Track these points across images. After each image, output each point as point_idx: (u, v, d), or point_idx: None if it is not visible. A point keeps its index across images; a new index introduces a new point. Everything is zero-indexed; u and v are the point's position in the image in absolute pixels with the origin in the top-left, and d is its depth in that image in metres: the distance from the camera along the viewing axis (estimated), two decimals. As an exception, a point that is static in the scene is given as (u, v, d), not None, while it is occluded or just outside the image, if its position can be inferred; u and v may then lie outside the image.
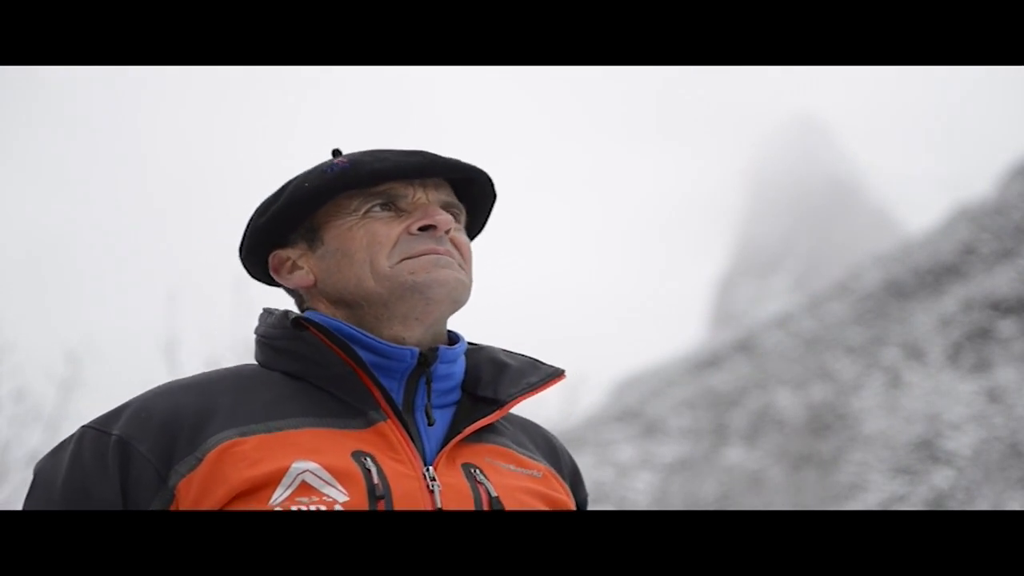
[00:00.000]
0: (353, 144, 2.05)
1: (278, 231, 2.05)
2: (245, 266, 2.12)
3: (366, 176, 1.99)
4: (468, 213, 2.11)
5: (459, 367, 2.02)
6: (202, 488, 1.85)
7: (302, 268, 2.04)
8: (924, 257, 30.24)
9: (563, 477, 2.09)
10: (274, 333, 2.01)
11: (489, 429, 2.01)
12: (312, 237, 2.03)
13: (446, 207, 2.04)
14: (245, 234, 2.08)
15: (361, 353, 1.94)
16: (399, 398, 1.96)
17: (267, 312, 2.05)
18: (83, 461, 1.89)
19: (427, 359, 1.97)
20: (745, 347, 32.77)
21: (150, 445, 1.87)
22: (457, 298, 1.99)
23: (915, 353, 26.68)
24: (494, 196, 2.11)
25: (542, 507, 1.97)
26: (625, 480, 26.99)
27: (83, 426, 1.94)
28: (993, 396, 23.63)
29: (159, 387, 1.97)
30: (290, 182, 2.05)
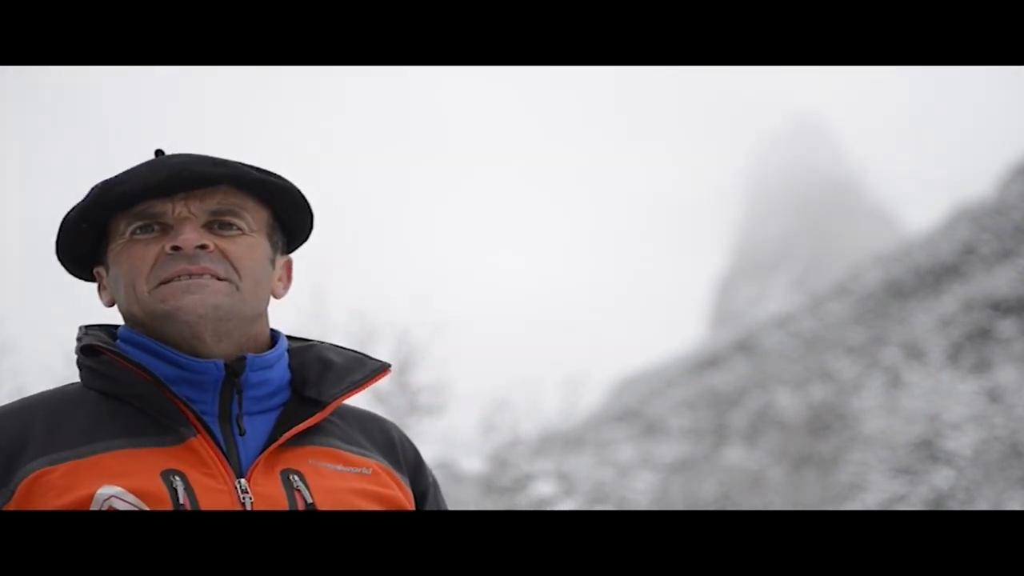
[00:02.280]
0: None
1: (79, 254, 2.04)
2: (83, 278, 2.10)
3: (116, 199, 1.96)
4: (282, 210, 2.05)
5: (277, 371, 2.00)
6: None
7: (106, 288, 2.04)
8: (924, 257, 30.27)
9: (401, 470, 2.05)
10: (82, 354, 2.01)
11: (316, 430, 1.98)
12: (106, 258, 2.02)
13: (217, 215, 1.97)
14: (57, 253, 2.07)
15: (168, 369, 1.93)
16: (214, 410, 1.94)
17: (82, 330, 2.03)
18: None
19: (235, 369, 1.95)
20: (745, 347, 32.81)
21: None
22: (219, 317, 1.93)
23: (915, 353, 26.70)
24: (290, 189, 2.04)
25: (368, 506, 1.94)
26: (625, 480, 27.00)
27: None
28: (993, 396, 23.64)
29: None
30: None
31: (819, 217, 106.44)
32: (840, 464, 23.77)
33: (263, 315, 2.02)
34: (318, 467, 1.95)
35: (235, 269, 1.96)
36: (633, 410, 31.25)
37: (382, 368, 2.07)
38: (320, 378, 2.02)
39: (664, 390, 32.34)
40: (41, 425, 1.91)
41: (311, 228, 2.11)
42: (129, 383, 1.93)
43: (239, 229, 1.99)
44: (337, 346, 2.10)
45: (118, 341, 1.99)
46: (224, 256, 1.96)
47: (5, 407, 1.98)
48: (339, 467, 1.97)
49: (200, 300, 1.92)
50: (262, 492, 1.89)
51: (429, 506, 2.08)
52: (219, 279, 1.94)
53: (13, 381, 11.39)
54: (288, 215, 2.06)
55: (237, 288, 1.95)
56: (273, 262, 2.04)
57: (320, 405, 1.99)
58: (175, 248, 1.93)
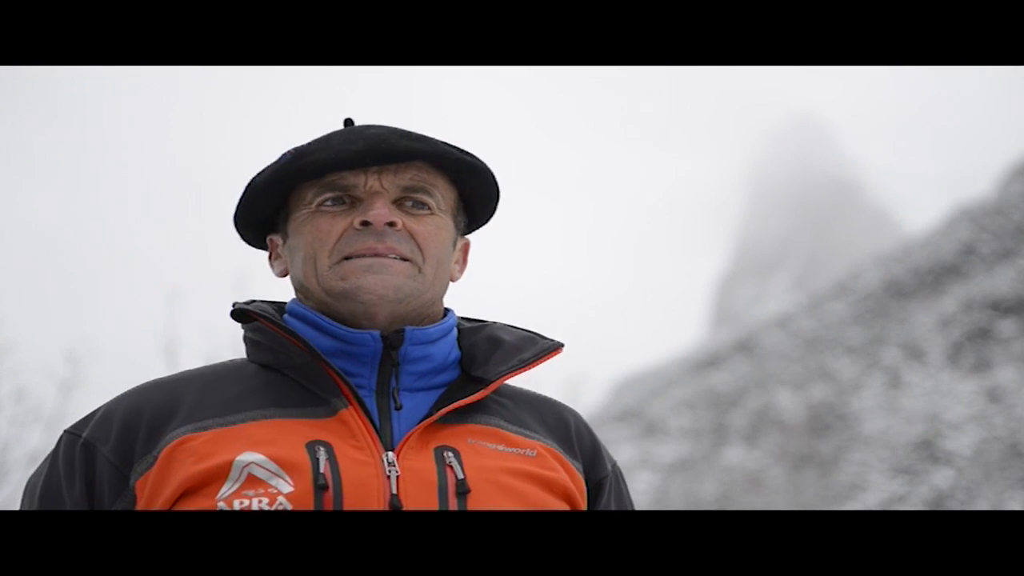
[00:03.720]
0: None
1: (257, 220, 2.01)
2: (255, 245, 2.07)
3: (307, 168, 1.92)
4: (471, 190, 2.01)
5: (440, 348, 1.95)
6: (155, 486, 1.84)
7: (280, 257, 2.01)
8: (924, 257, 30.23)
9: (574, 457, 1.98)
10: (246, 326, 1.99)
11: (479, 409, 1.94)
12: (285, 227, 1.99)
13: (408, 191, 1.93)
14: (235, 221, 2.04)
15: (326, 341, 1.90)
16: (372, 384, 1.91)
17: (248, 301, 2.00)
18: (58, 465, 1.91)
19: (393, 342, 1.92)
20: (745, 347, 32.77)
21: (112, 446, 1.87)
22: (398, 299, 1.90)
23: (915, 353, 26.68)
24: (485, 171, 2.00)
25: (524, 486, 1.90)
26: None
27: (64, 430, 1.94)
28: (993, 396, 23.63)
29: (136, 386, 1.95)
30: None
31: (819, 217, 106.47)
32: (840, 464, 23.76)
33: (440, 299, 1.99)
34: (476, 445, 1.90)
35: (420, 250, 1.93)
36: (633, 410, 31.22)
37: (554, 347, 2.02)
38: (487, 357, 1.97)
39: (664, 390, 32.31)
40: (193, 395, 1.90)
41: (494, 212, 2.07)
42: (286, 354, 1.91)
43: (428, 208, 1.95)
44: (512, 326, 2.05)
45: (285, 315, 1.96)
46: (411, 236, 1.92)
47: (161, 379, 1.96)
48: (499, 447, 1.92)
49: (381, 281, 1.90)
50: (411, 466, 1.85)
51: (604, 496, 2.03)
52: (403, 259, 1.91)
53: (13, 381, 11.39)
54: (475, 197, 2.03)
55: (420, 271, 1.93)
56: (454, 243, 2.01)
57: (484, 383, 1.95)
58: (364, 223, 1.90)
